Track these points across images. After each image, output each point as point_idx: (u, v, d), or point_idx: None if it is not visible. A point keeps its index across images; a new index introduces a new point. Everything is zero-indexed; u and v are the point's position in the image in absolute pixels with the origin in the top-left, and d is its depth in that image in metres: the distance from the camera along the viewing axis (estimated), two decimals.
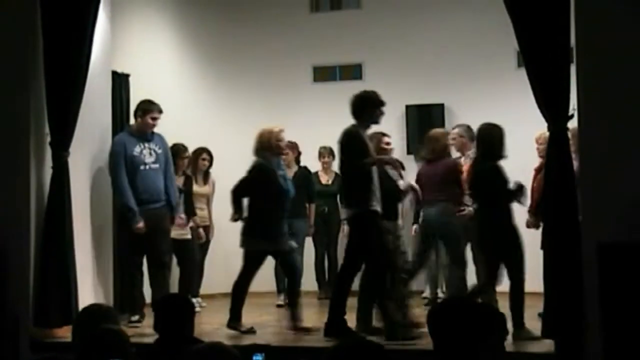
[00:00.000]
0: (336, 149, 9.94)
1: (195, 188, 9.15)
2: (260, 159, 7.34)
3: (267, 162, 7.31)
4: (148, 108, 7.68)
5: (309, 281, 9.56)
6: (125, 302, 7.81)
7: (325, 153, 9.96)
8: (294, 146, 9.50)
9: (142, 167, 7.56)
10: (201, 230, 9.03)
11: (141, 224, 7.45)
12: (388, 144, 7.65)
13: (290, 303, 7.40)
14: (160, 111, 7.72)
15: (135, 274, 7.64)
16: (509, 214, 6.64)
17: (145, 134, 7.66)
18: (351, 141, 6.78)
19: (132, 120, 8.15)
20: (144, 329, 6.93)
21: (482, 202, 6.83)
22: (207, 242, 9.38)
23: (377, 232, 6.67)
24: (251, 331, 7.02)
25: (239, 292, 7.28)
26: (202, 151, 9.33)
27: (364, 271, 6.89)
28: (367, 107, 6.90)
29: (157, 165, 7.66)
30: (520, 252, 6.58)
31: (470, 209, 7.26)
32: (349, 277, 6.88)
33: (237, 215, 7.41)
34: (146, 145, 7.64)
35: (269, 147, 7.32)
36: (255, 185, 7.25)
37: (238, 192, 7.36)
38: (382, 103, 6.94)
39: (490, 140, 6.79)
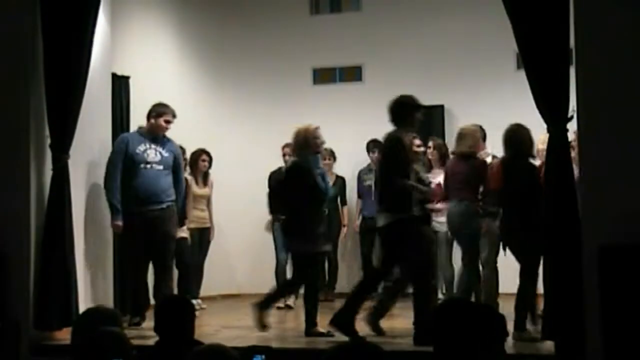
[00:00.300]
0: (337, 151, 10.03)
1: (195, 189, 9.17)
2: (297, 158, 7.24)
3: (305, 161, 7.17)
4: (162, 111, 7.62)
5: None
6: (127, 304, 7.80)
7: (326, 155, 9.95)
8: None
9: (142, 166, 7.45)
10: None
11: (119, 223, 7.39)
12: (419, 146, 7.65)
13: (309, 306, 7.21)
14: (174, 115, 7.66)
15: (138, 277, 7.56)
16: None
17: (157, 136, 7.60)
18: (395, 148, 6.66)
19: (132, 122, 8.16)
20: (144, 331, 6.93)
21: (516, 202, 6.77)
22: (207, 243, 9.40)
23: (418, 238, 6.62)
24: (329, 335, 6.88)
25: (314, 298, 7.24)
26: (201, 152, 9.35)
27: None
28: (407, 112, 6.81)
29: (160, 167, 7.54)
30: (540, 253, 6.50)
31: (439, 206, 7.31)
32: (378, 280, 6.80)
33: (275, 216, 7.34)
34: (152, 145, 7.54)
35: (306, 145, 7.17)
36: (293, 185, 7.14)
37: (275, 194, 7.28)
38: (420, 107, 6.88)
39: (520, 140, 6.79)
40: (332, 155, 9.94)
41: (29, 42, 6.77)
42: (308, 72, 11.00)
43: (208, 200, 9.41)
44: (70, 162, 6.87)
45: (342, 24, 10.90)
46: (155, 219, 7.45)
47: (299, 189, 7.07)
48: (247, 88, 10.85)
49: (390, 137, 6.74)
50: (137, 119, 7.98)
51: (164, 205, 7.52)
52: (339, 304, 9.16)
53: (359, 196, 10.20)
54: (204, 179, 9.41)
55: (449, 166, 7.74)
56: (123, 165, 7.44)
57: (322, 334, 6.89)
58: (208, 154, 9.41)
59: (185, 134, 9.25)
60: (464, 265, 7.53)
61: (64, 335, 6.46)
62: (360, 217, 10.12)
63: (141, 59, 9.54)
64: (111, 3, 7.96)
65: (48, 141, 6.81)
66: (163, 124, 7.60)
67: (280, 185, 7.33)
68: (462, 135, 7.67)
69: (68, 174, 6.87)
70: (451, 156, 8.06)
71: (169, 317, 4.09)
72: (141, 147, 7.50)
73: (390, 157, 6.72)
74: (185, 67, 10.52)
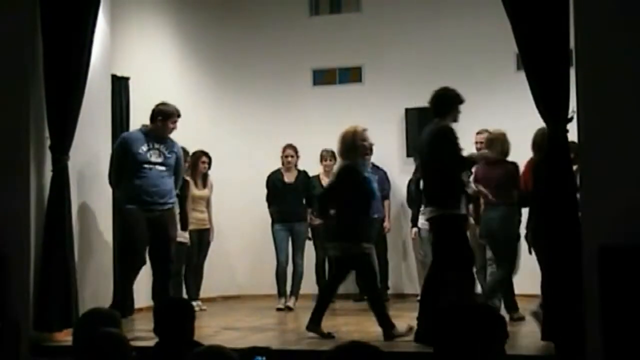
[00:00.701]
0: (337, 152, 10.03)
1: (195, 191, 9.18)
2: (346, 161, 7.11)
3: (354, 163, 7.04)
4: (169, 113, 7.46)
5: (309, 284, 9.58)
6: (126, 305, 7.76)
7: (327, 156, 9.94)
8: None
9: (145, 166, 7.33)
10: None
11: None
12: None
13: (375, 310, 6.92)
14: (179, 114, 7.55)
15: (130, 276, 7.30)
16: None
17: (158, 137, 7.47)
18: (445, 139, 6.50)
19: (132, 123, 8.15)
20: (143, 333, 6.92)
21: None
22: (207, 244, 9.41)
23: (462, 236, 6.53)
24: (330, 336, 6.82)
25: (328, 295, 7.19)
26: (201, 154, 9.37)
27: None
28: (451, 105, 6.73)
29: (163, 168, 7.43)
30: None
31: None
32: (441, 279, 6.49)
33: (322, 220, 7.29)
34: (156, 145, 7.42)
35: (354, 147, 7.05)
36: (343, 189, 7.01)
37: (326, 198, 7.21)
38: (462, 100, 6.81)
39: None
40: (333, 156, 9.93)
41: (28, 43, 6.77)
42: (308, 73, 11.00)
43: (207, 201, 9.43)
44: (70, 163, 6.87)
45: (342, 25, 10.89)
46: (156, 220, 7.36)
47: (350, 191, 6.93)
48: (247, 89, 10.85)
49: (438, 130, 6.58)
50: (137, 120, 7.97)
51: (166, 207, 7.44)
52: (339, 305, 9.24)
53: None
54: (204, 180, 9.43)
55: (479, 172, 7.72)
56: (126, 165, 7.33)
57: (400, 335, 6.67)
58: (207, 155, 9.42)
59: (184, 134, 9.23)
60: (498, 267, 7.57)
61: (64, 337, 6.46)
62: None
63: (141, 60, 9.54)
64: (111, 4, 7.97)
65: (48, 142, 6.81)
66: (171, 125, 7.50)
67: (331, 187, 7.24)
68: (491, 141, 7.72)
69: (68, 175, 6.87)
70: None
71: (169, 319, 4.10)
72: (143, 147, 7.37)
73: (438, 148, 6.51)
74: (185, 68, 10.52)
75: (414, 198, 9.02)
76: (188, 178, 9.08)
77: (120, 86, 8.73)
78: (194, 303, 8.71)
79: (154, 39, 10.03)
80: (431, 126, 6.68)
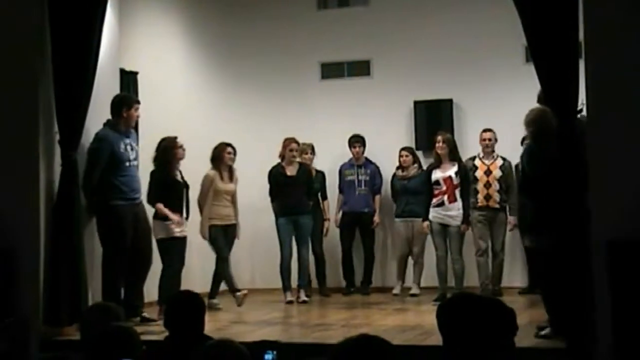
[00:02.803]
0: (345, 146, 10.02)
1: (219, 184, 8.84)
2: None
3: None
4: (132, 100, 7.54)
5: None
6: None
7: (307, 149, 9.84)
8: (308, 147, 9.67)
9: (127, 164, 7.38)
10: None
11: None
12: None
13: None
14: (139, 102, 7.61)
15: (118, 277, 7.28)
16: None
17: (127, 130, 7.49)
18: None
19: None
20: (151, 327, 6.94)
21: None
22: (232, 240, 9.03)
23: None
24: None
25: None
26: (225, 145, 8.98)
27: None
28: None
29: (136, 162, 7.54)
30: None
31: None
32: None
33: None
34: (127, 141, 7.45)
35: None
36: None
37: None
38: None
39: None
40: (312, 149, 9.89)
41: (37, 39, 6.78)
42: (316, 67, 10.98)
43: (233, 196, 8.99)
44: (78, 157, 6.88)
45: (349, 19, 10.86)
46: (138, 215, 7.48)
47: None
48: (255, 83, 10.84)
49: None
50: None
51: (140, 202, 7.56)
52: (334, 298, 9.27)
53: (340, 191, 10.18)
54: (230, 173, 9.02)
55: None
56: (105, 165, 7.28)
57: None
58: (232, 146, 9.04)
59: (191, 129, 9.27)
60: None
61: (73, 331, 6.48)
62: (341, 213, 10.11)
63: (149, 54, 9.53)
64: None
65: (57, 137, 6.83)
66: (135, 113, 7.52)
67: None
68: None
69: (77, 170, 6.89)
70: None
71: (179, 313, 4.10)
72: (122, 146, 7.37)
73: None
74: (193, 63, 10.51)
75: (427, 191, 9.02)
76: (211, 172, 8.88)
77: (128, 81, 8.73)
78: (214, 301, 8.62)
79: (162, 33, 10.02)
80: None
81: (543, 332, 6.08)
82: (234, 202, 9.02)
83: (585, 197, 5.60)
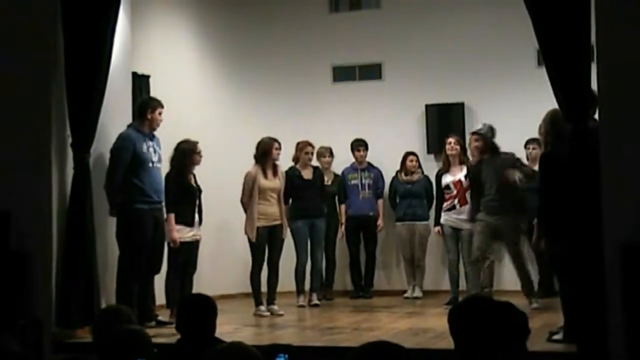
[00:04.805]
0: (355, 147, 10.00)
1: (263, 182, 8.50)
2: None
3: None
4: (157, 103, 7.60)
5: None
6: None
7: (325, 152, 9.92)
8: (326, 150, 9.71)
9: (149, 165, 7.44)
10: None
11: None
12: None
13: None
14: (163, 105, 7.66)
15: (133, 280, 7.27)
16: None
17: (150, 132, 7.55)
18: None
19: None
20: (163, 330, 6.96)
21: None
22: (280, 241, 8.74)
23: None
24: None
25: None
26: (273, 141, 8.67)
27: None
28: None
29: (159, 165, 7.59)
30: None
31: None
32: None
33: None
34: (150, 143, 7.51)
35: None
36: None
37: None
38: None
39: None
40: (330, 152, 9.91)
41: (50, 42, 6.82)
42: (328, 70, 10.98)
43: (278, 194, 8.64)
44: (91, 160, 6.91)
45: (361, 22, 10.87)
46: (158, 219, 7.52)
47: None
48: (267, 86, 10.85)
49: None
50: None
51: (161, 207, 7.59)
52: (338, 301, 9.24)
53: (345, 196, 10.13)
54: (274, 170, 8.68)
55: None
56: (128, 165, 7.33)
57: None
58: (278, 141, 8.70)
59: (203, 132, 9.27)
60: None
61: (85, 333, 6.50)
62: (344, 217, 10.06)
63: (161, 57, 9.56)
64: (131, 2, 8.00)
65: (69, 140, 6.86)
66: (159, 116, 7.57)
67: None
68: None
69: (89, 173, 6.92)
70: None
71: (191, 315, 4.11)
72: (144, 146, 7.43)
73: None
74: (205, 66, 10.53)
75: (438, 195, 9.02)
76: (253, 169, 8.57)
77: (140, 84, 8.75)
78: (263, 307, 8.46)
79: (174, 37, 10.04)
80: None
81: (555, 337, 6.06)
82: (279, 200, 8.66)
83: (599, 200, 5.58)
